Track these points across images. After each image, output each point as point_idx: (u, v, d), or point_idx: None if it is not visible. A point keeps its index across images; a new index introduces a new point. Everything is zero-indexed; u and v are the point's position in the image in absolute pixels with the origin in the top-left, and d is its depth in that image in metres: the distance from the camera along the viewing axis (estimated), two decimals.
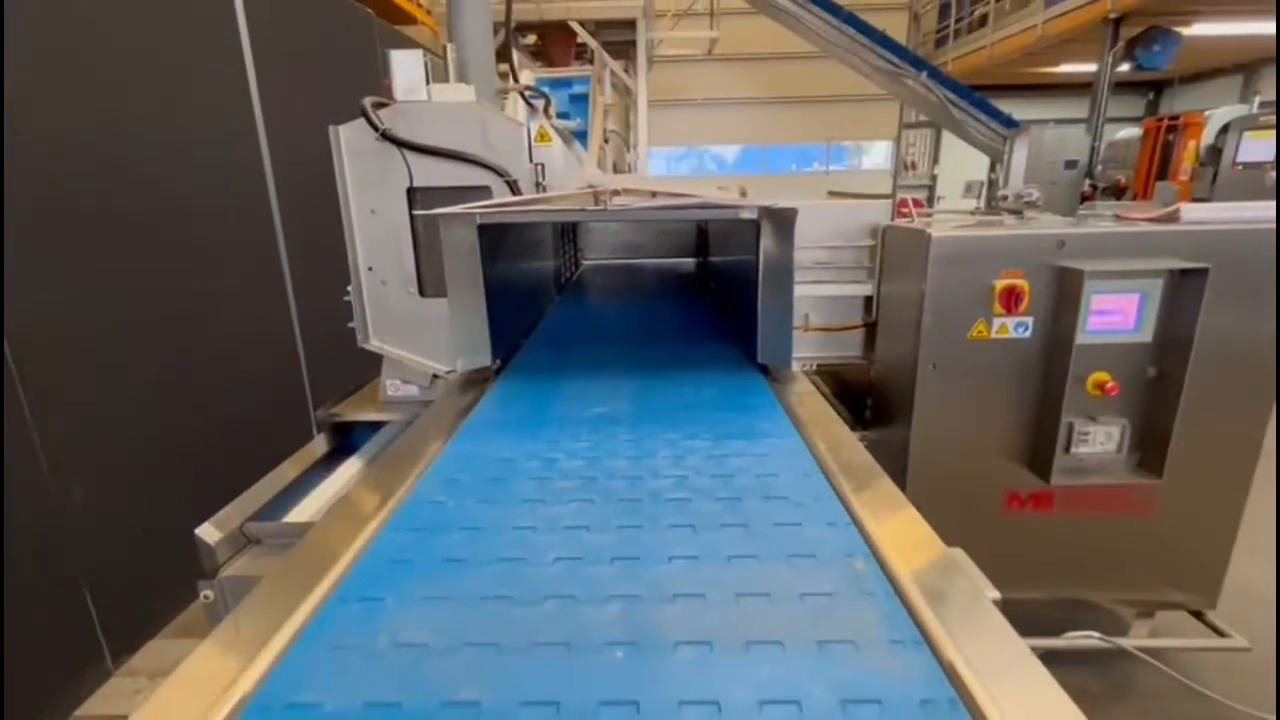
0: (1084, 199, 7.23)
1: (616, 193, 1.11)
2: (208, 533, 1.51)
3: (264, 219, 3.23)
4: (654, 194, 1.15)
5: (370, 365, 2.20)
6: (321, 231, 3.19)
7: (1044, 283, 1.77)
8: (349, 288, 2.05)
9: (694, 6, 7.78)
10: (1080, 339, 1.76)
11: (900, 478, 2.02)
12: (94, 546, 2.29)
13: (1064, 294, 1.76)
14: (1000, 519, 1.99)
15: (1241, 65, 10.31)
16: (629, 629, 0.56)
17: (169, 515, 2.53)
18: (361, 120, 1.89)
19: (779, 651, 0.53)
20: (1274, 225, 1.74)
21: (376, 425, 2.14)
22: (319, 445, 2.02)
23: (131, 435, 2.47)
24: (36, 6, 2.13)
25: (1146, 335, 1.80)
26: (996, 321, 1.80)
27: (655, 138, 8.27)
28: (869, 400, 2.32)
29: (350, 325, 2.09)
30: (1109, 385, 1.80)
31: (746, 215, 1.13)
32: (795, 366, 1.24)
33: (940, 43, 11.50)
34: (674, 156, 13.30)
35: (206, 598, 1.49)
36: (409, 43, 5.83)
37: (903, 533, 0.71)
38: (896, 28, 10.82)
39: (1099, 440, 1.87)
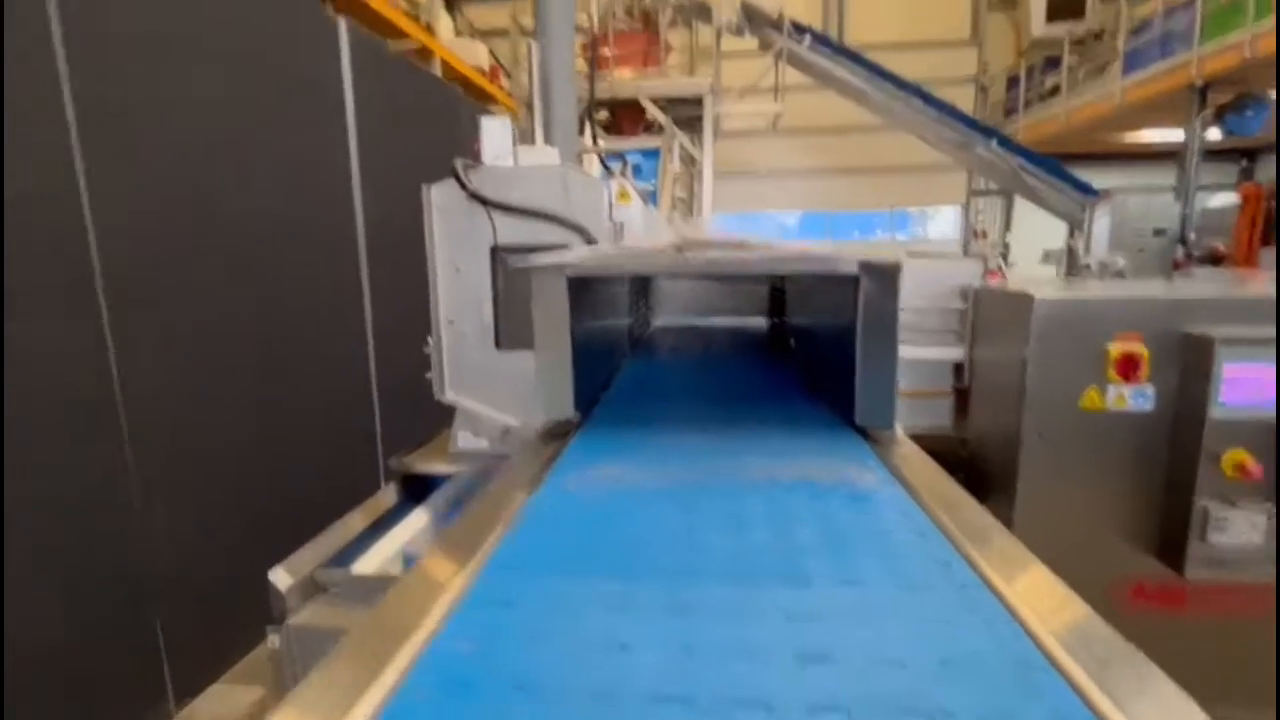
0: (1176, 266, 6.82)
1: (707, 245, 1.09)
2: (280, 577, 1.50)
3: (352, 273, 3.42)
4: (741, 244, 1.12)
5: (438, 418, 2.22)
6: (402, 286, 3.33)
7: (1166, 349, 1.61)
8: (429, 339, 2.11)
9: (760, 83, 8.08)
10: (1213, 413, 1.58)
11: None
12: (170, 581, 2.34)
13: (1191, 362, 1.59)
14: (1124, 615, 1.75)
15: None
16: None
17: (237, 554, 2.58)
18: (452, 180, 1.98)
19: None
20: None
21: (444, 477, 2.14)
22: (388, 495, 2.03)
23: (213, 473, 2.56)
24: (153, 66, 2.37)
25: None
26: (1112, 390, 1.65)
27: (718, 204, 8.44)
28: (963, 474, 2.15)
29: (428, 376, 2.13)
30: (1249, 466, 1.59)
31: (846, 270, 1.08)
32: (899, 430, 1.15)
33: (1009, 113, 11.44)
34: (736, 223, 13.51)
35: (273, 645, 1.47)
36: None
37: (1056, 609, 0.60)
38: (963, 100, 10.87)
39: (1241, 529, 1.64)
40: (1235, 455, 1.62)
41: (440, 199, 2.00)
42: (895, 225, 13.09)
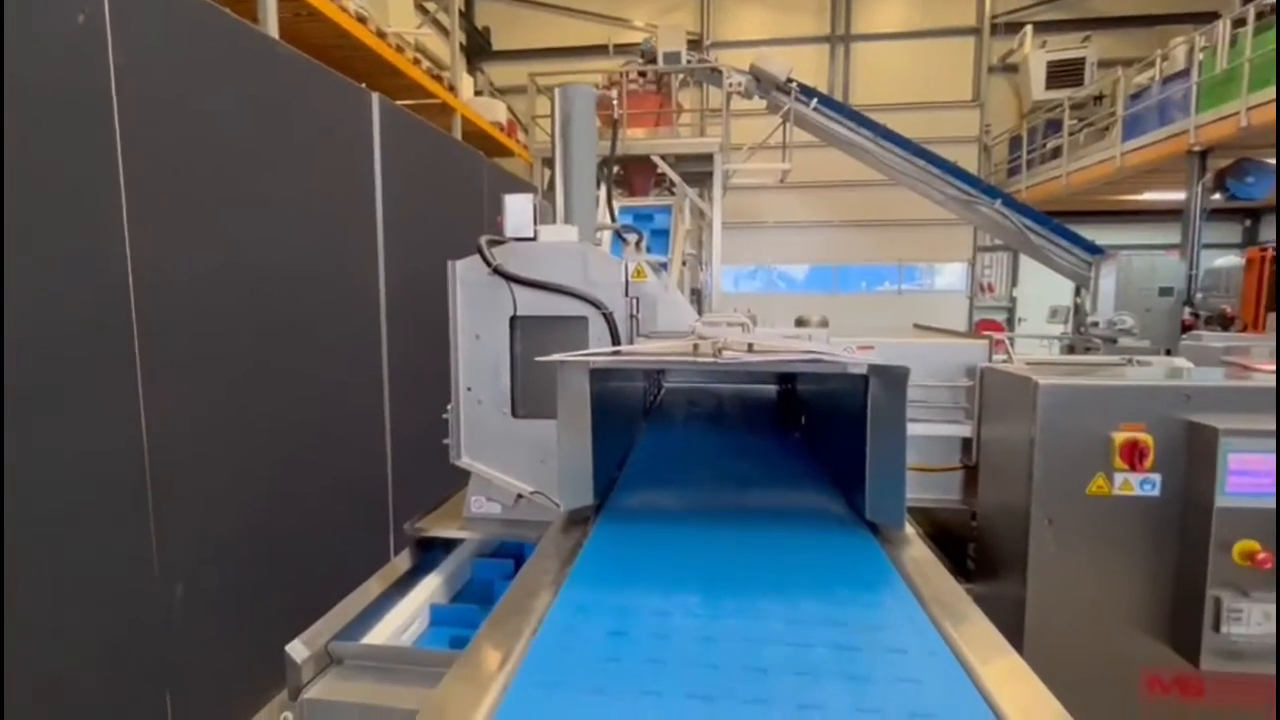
0: (1186, 328, 6.85)
1: (725, 347, 1.14)
2: (297, 650, 1.51)
3: (373, 337, 3.50)
4: (750, 347, 1.18)
5: (449, 481, 2.26)
6: (418, 349, 3.41)
7: (1171, 437, 1.65)
8: (449, 406, 2.16)
9: (768, 140, 8.35)
10: (1220, 502, 1.60)
11: (1016, 640, 1.82)
12: (180, 650, 2.34)
13: (1196, 452, 1.62)
14: (1141, 704, 1.73)
15: None
16: None
17: (246, 622, 2.59)
18: (475, 256, 2.07)
19: None
20: None
21: (457, 541, 2.16)
22: (403, 561, 2.05)
23: (227, 536, 2.58)
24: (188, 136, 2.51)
25: None
26: (1119, 477, 1.67)
27: (726, 256, 8.61)
28: (970, 548, 2.15)
29: (445, 441, 2.18)
30: (1260, 556, 1.60)
31: (855, 371, 1.14)
32: (909, 529, 1.18)
33: (1013, 172, 11.69)
34: (743, 274, 13.68)
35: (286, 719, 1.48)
36: (510, 178, 6.49)
37: None
38: (967, 159, 11.14)
39: (1255, 620, 1.63)
40: (1246, 545, 1.62)
41: (464, 273, 2.08)
42: (902, 278, 13.22)
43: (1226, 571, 1.62)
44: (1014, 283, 12.53)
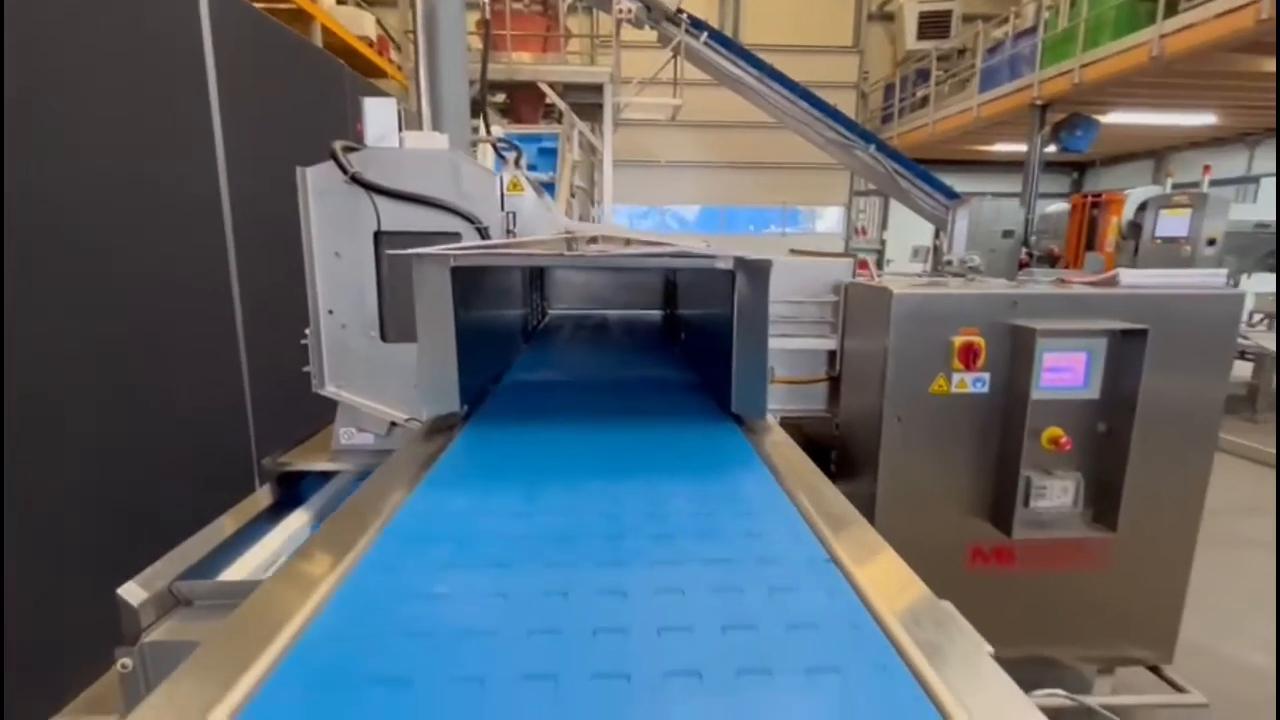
0: (1021, 266, 7.70)
1: (594, 240, 1.11)
2: (131, 592, 1.36)
3: (218, 255, 3.12)
4: (628, 242, 1.16)
5: (320, 413, 2.10)
6: (278, 271, 3.08)
7: (1000, 340, 1.85)
8: (307, 330, 1.98)
9: (659, 75, 8.17)
10: (1035, 395, 1.82)
11: None
12: None
13: (1018, 351, 1.83)
14: (966, 574, 2.00)
15: (1152, 151, 11.39)
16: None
17: (87, 570, 2.31)
18: (330, 163, 1.87)
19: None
20: (1203, 292, 1.87)
21: (326, 476, 2.03)
22: (262, 497, 1.90)
23: (52, 479, 2.26)
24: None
25: (1095, 392, 1.88)
26: (956, 377, 1.86)
27: (619, 195, 8.48)
28: (834, 453, 2.33)
29: (306, 369, 2.00)
30: (1063, 440, 1.86)
31: (722, 265, 1.15)
32: (770, 418, 1.24)
33: (886, 119, 12.34)
34: (636, 214, 13.65)
35: (124, 667, 1.34)
36: (381, 94, 5.91)
37: (889, 578, 0.69)
38: (846, 104, 11.58)
39: (1056, 494, 1.91)
40: (1052, 432, 1.88)
41: (317, 182, 1.88)
42: (786, 221, 13.79)
43: (1036, 455, 1.88)
44: (884, 226, 13.45)
